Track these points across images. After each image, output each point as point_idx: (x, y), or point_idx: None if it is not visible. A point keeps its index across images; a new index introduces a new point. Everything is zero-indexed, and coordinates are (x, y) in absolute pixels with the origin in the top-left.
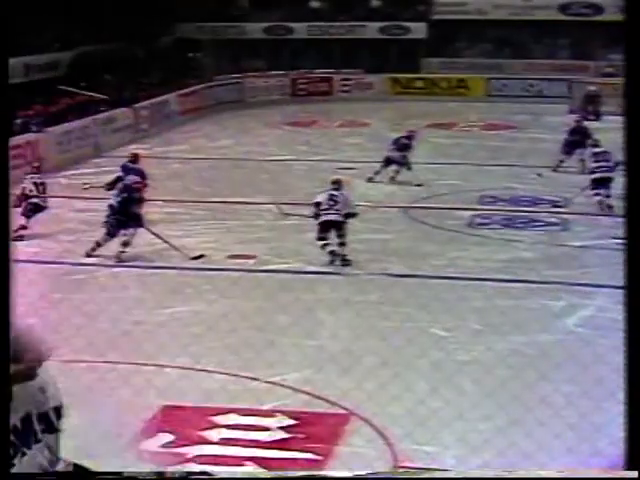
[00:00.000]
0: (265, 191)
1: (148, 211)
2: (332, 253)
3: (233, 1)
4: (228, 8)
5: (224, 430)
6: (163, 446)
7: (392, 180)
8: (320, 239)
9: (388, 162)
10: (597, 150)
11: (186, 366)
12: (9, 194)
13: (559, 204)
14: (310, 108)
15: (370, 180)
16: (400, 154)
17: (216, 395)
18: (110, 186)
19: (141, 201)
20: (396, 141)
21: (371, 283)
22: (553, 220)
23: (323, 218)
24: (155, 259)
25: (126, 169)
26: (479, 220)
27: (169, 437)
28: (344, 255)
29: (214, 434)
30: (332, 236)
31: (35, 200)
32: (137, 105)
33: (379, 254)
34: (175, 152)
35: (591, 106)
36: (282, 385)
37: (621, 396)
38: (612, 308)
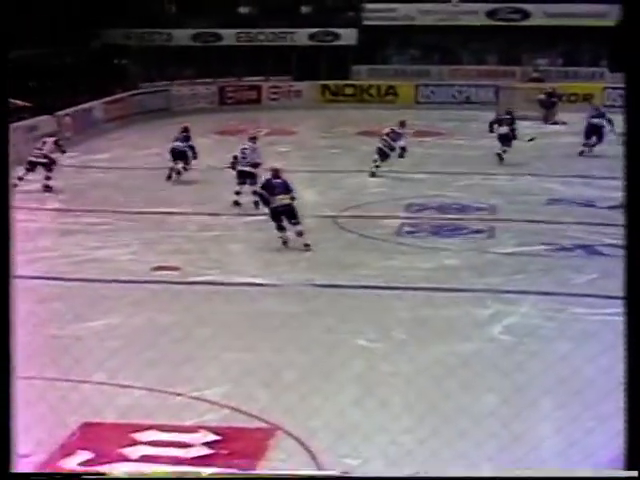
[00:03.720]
0: (189, 201)
1: (66, 222)
2: (237, 203)
3: (160, 7)
4: (155, 14)
5: (145, 447)
6: (82, 464)
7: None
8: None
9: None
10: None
11: (102, 381)
12: (9, 194)
13: (485, 211)
14: (238, 116)
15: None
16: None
17: (133, 411)
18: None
19: None
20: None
21: (292, 294)
22: (479, 227)
23: (238, 168)
24: (73, 271)
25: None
26: (407, 229)
27: (88, 455)
28: (255, 201)
29: (134, 451)
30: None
31: (31, 158)
32: (60, 112)
33: (302, 264)
34: (98, 161)
35: (546, 111)
36: (202, 399)
37: (541, 403)
38: (536, 315)
